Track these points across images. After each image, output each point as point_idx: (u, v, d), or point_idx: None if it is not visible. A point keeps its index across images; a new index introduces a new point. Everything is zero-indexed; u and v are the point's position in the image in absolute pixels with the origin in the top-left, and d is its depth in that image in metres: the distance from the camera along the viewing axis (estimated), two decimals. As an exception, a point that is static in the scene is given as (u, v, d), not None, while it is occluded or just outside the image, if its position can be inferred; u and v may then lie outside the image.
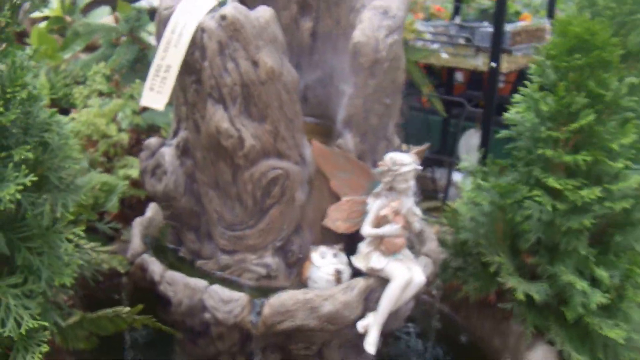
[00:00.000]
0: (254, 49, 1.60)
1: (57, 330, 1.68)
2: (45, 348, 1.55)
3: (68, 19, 3.01)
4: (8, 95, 1.57)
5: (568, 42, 1.83)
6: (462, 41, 3.79)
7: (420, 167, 1.76)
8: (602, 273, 1.87)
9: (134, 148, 2.50)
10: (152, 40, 2.76)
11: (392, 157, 1.74)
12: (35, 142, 1.67)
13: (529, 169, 1.97)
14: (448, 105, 3.96)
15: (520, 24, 3.78)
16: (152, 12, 2.97)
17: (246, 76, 1.62)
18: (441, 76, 4.45)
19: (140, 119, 2.46)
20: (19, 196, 1.51)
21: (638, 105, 1.95)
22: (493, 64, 3.28)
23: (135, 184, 2.33)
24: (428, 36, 3.78)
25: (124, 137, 2.35)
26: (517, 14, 4.50)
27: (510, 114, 1.94)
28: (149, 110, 2.53)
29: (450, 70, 4.28)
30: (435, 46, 3.85)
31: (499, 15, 3.22)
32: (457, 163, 3.57)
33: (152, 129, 2.52)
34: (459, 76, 4.69)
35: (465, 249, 2.16)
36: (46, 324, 1.57)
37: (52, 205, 1.67)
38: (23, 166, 1.54)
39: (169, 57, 1.64)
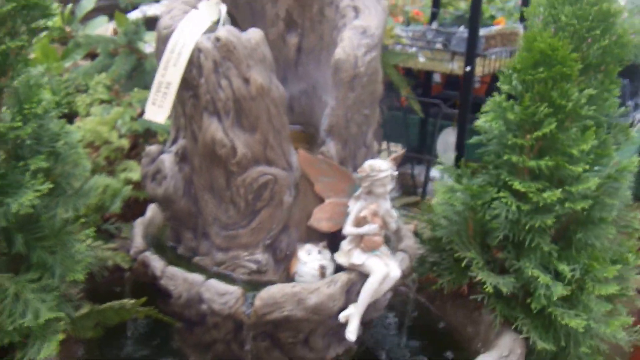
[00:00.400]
0: (245, 67, 1.77)
1: (69, 321, 1.86)
2: (61, 336, 1.72)
3: (67, 29, 3.17)
4: (25, 112, 1.74)
5: (533, 57, 2.01)
6: (439, 46, 3.95)
7: (395, 173, 1.94)
8: (563, 267, 2.04)
9: (132, 152, 2.67)
10: (147, 48, 2.93)
11: (370, 164, 1.92)
12: (47, 152, 1.84)
13: (497, 172, 2.14)
14: (426, 105, 4.13)
15: (495, 28, 3.93)
16: (146, 22, 3.14)
17: (238, 92, 1.78)
18: (419, 77, 4.62)
19: (137, 124, 2.63)
20: (36, 202, 1.69)
21: (597, 114, 2.13)
22: (468, 68, 3.46)
23: (134, 185, 2.49)
24: (406, 41, 3.94)
25: (125, 143, 2.52)
26: (492, 18, 4.67)
27: (480, 122, 2.12)
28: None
29: (428, 72, 4.44)
30: (414, 50, 4.02)
31: (473, 21, 3.39)
32: (435, 160, 3.74)
33: (149, 134, 2.69)
34: (437, 77, 4.85)
35: (440, 245, 2.33)
36: (62, 314, 1.75)
37: (63, 209, 1.84)
38: (39, 174, 1.72)
39: (168, 74, 1.80)
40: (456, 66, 3.81)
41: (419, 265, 2.40)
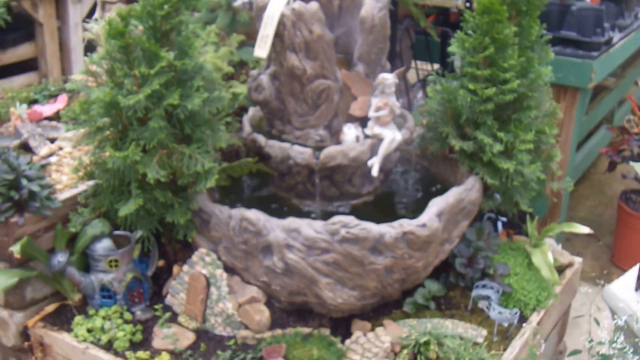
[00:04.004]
0: (309, 24, 3.09)
1: (217, 171, 3.24)
2: (216, 176, 3.12)
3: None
4: (189, 53, 3.12)
5: (481, 8, 3.32)
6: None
7: (397, 81, 3.31)
8: (501, 135, 3.38)
9: (233, 75, 4.06)
10: (236, 3, 4.28)
11: (382, 75, 3.27)
12: (200, 75, 3.19)
13: (462, 78, 3.50)
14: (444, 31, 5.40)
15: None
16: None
17: (306, 38, 3.11)
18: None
19: (235, 57, 4.01)
20: (200, 104, 3.08)
21: (519, 41, 3.43)
22: (467, 4, 4.75)
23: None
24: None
25: (231, 70, 3.91)
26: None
27: (450, 48, 3.46)
28: (240, 50, 4.10)
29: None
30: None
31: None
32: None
33: (242, 63, 4.08)
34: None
35: (431, 125, 3.70)
36: (216, 164, 3.15)
37: (210, 107, 3.22)
38: (201, 89, 3.10)
39: (267, 29, 3.16)
40: (460, 2, 5.05)
41: (421, 140, 3.78)
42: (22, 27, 5.72)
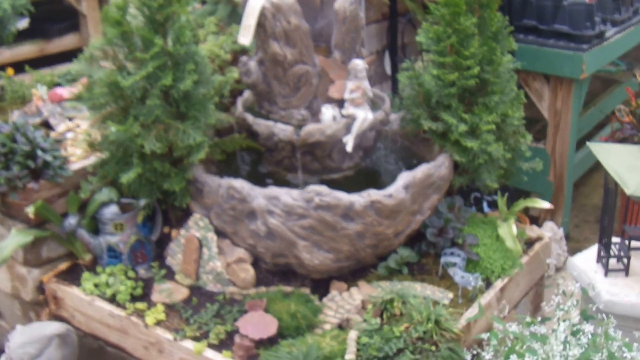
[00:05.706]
0: (287, 15, 3.48)
1: (208, 145, 3.65)
2: (207, 149, 3.52)
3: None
4: (181, 41, 3.51)
5: (443, 0, 3.68)
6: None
7: (367, 67, 3.69)
8: (465, 116, 3.72)
9: (234, 61, 4.45)
10: (238, -1, 4.69)
11: (353, 61, 3.66)
12: (192, 60, 3.58)
13: (430, 64, 3.85)
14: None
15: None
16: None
17: (285, 28, 3.50)
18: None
19: (237, 45, 4.42)
20: (192, 85, 3.49)
21: (481, 32, 3.76)
22: None
23: (238, 81, 4.28)
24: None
25: (228, 57, 4.32)
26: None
27: (417, 38, 3.82)
28: (240, 40, 4.50)
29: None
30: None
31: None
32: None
33: (244, 51, 4.48)
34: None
35: (408, 107, 4.06)
36: (206, 139, 3.55)
37: (202, 89, 3.63)
38: (192, 73, 3.51)
39: (248, 20, 3.54)
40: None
41: (401, 121, 4.15)
42: (68, 18, 5.79)
